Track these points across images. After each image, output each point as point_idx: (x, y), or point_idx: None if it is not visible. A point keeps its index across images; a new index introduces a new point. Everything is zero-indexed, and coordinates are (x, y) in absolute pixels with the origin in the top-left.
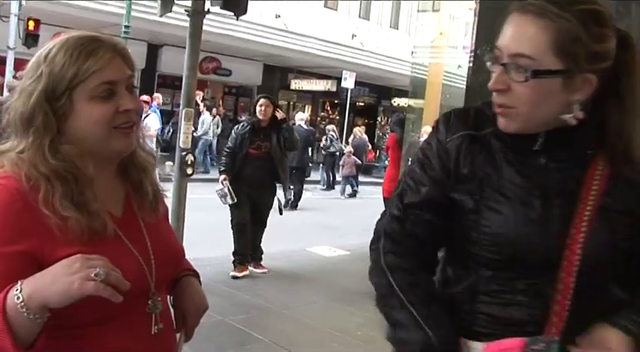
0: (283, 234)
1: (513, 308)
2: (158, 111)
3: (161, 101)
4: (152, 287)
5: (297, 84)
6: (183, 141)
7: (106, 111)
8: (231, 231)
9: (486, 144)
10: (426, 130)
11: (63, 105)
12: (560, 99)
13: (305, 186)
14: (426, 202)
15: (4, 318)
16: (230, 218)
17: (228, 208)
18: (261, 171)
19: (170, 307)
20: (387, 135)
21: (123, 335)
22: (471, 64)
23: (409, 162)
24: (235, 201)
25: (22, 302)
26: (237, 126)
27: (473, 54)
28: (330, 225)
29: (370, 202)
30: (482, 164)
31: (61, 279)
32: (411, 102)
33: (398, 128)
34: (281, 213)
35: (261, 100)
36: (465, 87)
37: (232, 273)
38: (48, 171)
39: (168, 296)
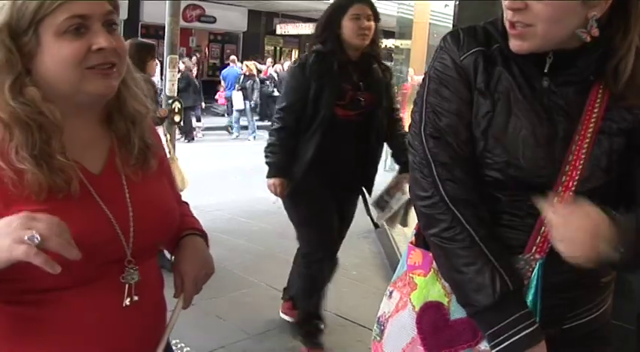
0: None
1: (505, 230)
2: None
3: None
4: (128, 254)
5: (282, 29)
6: (169, 88)
7: (76, 49)
8: (296, 270)
9: (496, 62)
10: (411, 73)
11: (29, 41)
12: (578, 16)
13: None
14: (460, 120)
15: None
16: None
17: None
18: (356, 151)
19: (162, 277)
20: None
21: (90, 304)
22: (458, 2)
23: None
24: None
25: None
26: (295, 64)
27: None
28: None
29: None
30: (495, 81)
31: None
32: (398, 42)
33: None
34: (376, 227)
35: (357, 5)
36: (451, 25)
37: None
38: (6, 116)
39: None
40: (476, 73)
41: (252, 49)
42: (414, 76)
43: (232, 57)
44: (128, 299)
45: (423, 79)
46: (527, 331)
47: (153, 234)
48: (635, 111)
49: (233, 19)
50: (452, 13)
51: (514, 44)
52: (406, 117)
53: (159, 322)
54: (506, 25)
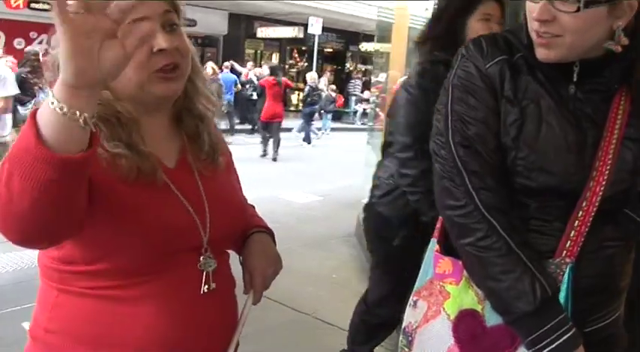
0: (256, 182)
1: (534, 235)
2: None
3: None
4: (204, 243)
5: (263, 32)
6: None
7: (139, 52)
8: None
9: (521, 70)
10: (392, 74)
11: None
12: (604, 27)
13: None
14: (487, 128)
15: (33, 117)
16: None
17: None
18: None
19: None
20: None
21: (167, 290)
22: (437, 6)
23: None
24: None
25: (52, 99)
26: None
27: None
28: (303, 172)
29: (340, 148)
30: (523, 89)
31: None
32: (378, 46)
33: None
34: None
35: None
36: None
37: None
38: None
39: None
40: (502, 81)
41: (232, 53)
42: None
43: (226, 63)
44: (206, 287)
45: (445, 87)
46: (566, 336)
47: (226, 226)
48: None
49: (213, 23)
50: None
51: (541, 53)
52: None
53: (232, 313)
54: (532, 34)
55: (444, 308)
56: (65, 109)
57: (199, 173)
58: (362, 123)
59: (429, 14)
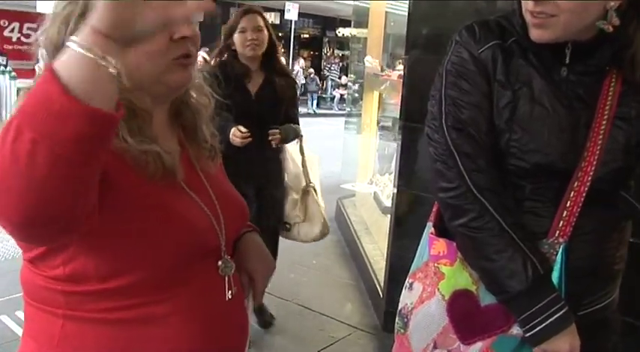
0: None
1: (528, 216)
2: None
3: None
4: (222, 244)
5: None
6: None
7: (159, 39)
8: None
9: (513, 54)
10: (368, 60)
11: None
12: (598, 7)
13: None
14: (480, 112)
15: (51, 67)
16: None
17: None
18: None
19: None
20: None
21: (194, 303)
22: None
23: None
24: None
25: (80, 44)
26: None
27: None
28: None
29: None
30: (515, 73)
31: None
32: (355, 31)
33: None
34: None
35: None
36: (406, 14)
37: None
38: None
39: None
40: (495, 65)
41: (208, 40)
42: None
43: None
44: (230, 292)
45: (439, 73)
46: (558, 314)
47: (236, 224)
48: None
49: None
50: (407, 1)
51: (535, 33)
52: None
53: (246, 313)
54: (526, 15)
55: (438, 289)
56: (100, 54)
57: (202, 171)
58: (339, 109)
59: None
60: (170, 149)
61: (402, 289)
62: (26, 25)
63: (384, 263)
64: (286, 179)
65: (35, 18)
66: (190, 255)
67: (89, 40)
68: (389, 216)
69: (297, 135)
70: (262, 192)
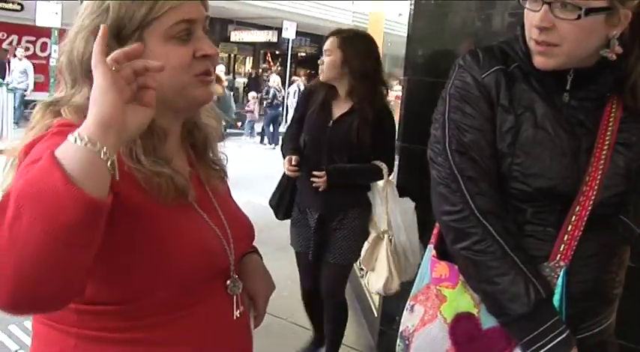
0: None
1: (529, 240)
2: None
3: None
4: (232, 263)
5: (237, 36)
6: None
7: (183, 55)
8: None
9: (516, 79)
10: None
11: None
12: (600, 35)
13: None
14: (483, 136)
15: (52, 155)
16: None
17: None
18: None
19: None
20: None
21: (204, 322)
22: (412, 12)
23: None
24: None
25: (76, 136)
26: None
27: (414, 2)
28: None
29: None
30: (518, 98)
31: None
32: None
33: None
34: None
35: None
36: (406, 35)
37: None
38: None
39: None
40: (498, 90)
41: None
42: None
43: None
44: (238, 311)
45: (442, 97)
46: (560, 337)
47: (243, 244)
48: None
49: None
50: (406, 23)
51: (539, 61)
52: None
53: (251, 334)
54: (530, 43)
55: (440, 312)
56: (98, 146)
57: (211, 190)
58: None
59: (403, 19)
60: (182, 169)
61: (396, 309)
62: (25, 38)
63: None
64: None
65: (34, 31)
66: (202, 276)
67: (88, 130)
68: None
69: (374, 177)
70: (325, 225)
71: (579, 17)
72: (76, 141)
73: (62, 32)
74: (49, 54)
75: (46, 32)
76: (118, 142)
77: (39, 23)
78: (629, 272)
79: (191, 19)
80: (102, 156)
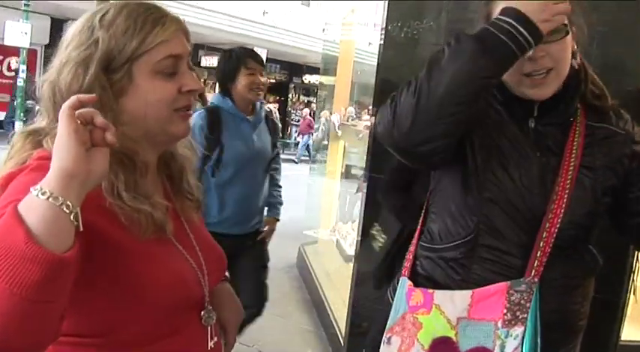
0: None
1: (505, 258)
2: None
3: None
4: (206, 295)
5: (208, 61)
6: None
7: (169, 90)
8: None
9: (485, 110)
10: (325, 114)
11: (120, 79)
12: (570, 50)
13: None
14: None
15: (15, 209)
16: None
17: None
18: None
19: None
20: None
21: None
22: (382, 42)
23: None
24: None
25: (39, 190)
26: None
27: (384, 31)
28: None
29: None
30: (487, 127)
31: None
32: (323, 79)
33: None
34: None
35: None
36: (376, 64)
37: None
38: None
39: None
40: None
41: None
42: (329, 117)
43: None
44: (212, 342)
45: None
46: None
47: (217, 275)
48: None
49: None
50: (376, 52)
51: (535, 93)
52: None
53: None
54: (525, 81)
55: (417, 339)
56: (61, 200)
57: (186, 221)
58: (303, 155)
59: (373, 49)
60: (159, 204)
61: (362, 337)
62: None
63: (346, 311)
64: None
65: (0, 50)
66: (178, 307)
67: (51, 183)
68: (351, 264)
69: None
70: None
71: (567, 34)
72: (38, 195)
73: (31, 52)
74: (16, 74)
75: (13, 51)
76: (83, 192)
77: (7, 42)
78: (593, 303)
79: (178, 54)
80: (65, 209)
